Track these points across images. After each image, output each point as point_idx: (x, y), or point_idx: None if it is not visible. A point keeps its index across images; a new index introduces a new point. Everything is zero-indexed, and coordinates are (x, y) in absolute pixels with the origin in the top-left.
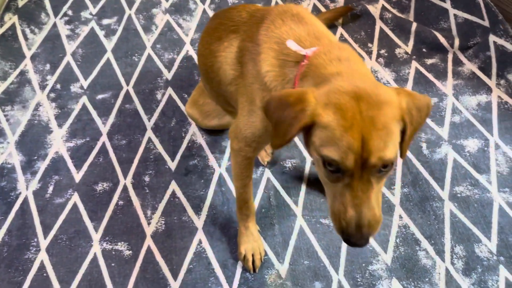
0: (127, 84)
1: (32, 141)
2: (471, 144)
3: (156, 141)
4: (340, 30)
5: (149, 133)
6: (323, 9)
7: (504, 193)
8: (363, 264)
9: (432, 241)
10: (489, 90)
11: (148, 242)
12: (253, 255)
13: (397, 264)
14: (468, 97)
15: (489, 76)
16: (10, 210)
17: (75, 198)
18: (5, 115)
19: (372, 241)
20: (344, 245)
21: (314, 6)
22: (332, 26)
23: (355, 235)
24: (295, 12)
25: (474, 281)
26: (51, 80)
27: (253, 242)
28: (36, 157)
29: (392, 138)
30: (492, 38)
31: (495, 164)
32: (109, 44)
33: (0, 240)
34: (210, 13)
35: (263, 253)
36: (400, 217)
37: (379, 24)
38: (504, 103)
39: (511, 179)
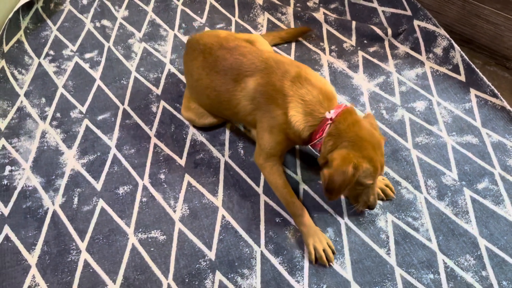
0: (122, 104)
1: (46, 164)
2: (419, 105)
3: (161, 145)
4: None
5: (154, 140)
6: (275, 21)
7: (453, 136)
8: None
9: (409, 180)
10: (422, 63)
11: (178, 225)
12: (324, 251)
13: (386, 202)
14: (408, 71)
15: (419, 53)
16: (42, 224)
17: (101, 203)
18: (13, 147)
19: None
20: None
21: (269, 20)
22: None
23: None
24: (304, 76)
25: (448, 203)
26: (50, 110)
27: (317, 239)
28: (54, 177)
29: None
30: (416, 22)
31: (440, 117)
32: (96, 73)
33: (40, 251)
34: (181, 37)
35: (332, 246)
36: None
37: (325, 26)
38: (436, 71)
39: (455, 125)
